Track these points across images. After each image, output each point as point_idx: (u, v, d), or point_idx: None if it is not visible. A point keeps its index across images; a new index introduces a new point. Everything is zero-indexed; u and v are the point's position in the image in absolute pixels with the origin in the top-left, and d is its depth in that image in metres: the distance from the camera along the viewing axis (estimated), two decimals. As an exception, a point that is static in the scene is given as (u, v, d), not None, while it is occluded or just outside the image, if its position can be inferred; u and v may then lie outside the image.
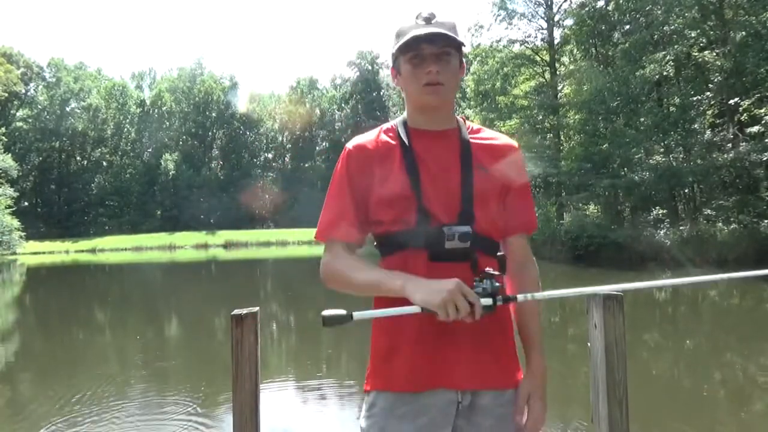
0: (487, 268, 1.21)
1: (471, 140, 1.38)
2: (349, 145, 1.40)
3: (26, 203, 55.49)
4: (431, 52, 1.30)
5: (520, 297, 1.25)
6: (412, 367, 1.29)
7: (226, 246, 46.97)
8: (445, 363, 1.28)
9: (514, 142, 1.45)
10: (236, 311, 2.28)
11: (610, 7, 23.78)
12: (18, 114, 60.04)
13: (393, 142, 1.37)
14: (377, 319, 1.33)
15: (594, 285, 1.40)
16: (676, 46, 19.84)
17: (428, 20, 1.32)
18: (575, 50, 27.51)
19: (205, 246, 47.15)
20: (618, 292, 1.95)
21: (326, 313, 1.21)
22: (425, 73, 1.30)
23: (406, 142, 1.35)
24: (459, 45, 1.32)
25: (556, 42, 27.61)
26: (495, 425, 1.32)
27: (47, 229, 54.05)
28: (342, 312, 1.20)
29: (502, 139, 1.44)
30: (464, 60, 1.39)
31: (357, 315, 1.21)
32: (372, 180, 1.34)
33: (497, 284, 1.20)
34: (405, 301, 1.21)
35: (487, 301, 1.18)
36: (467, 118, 1.49)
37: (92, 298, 16.35)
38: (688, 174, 19.26)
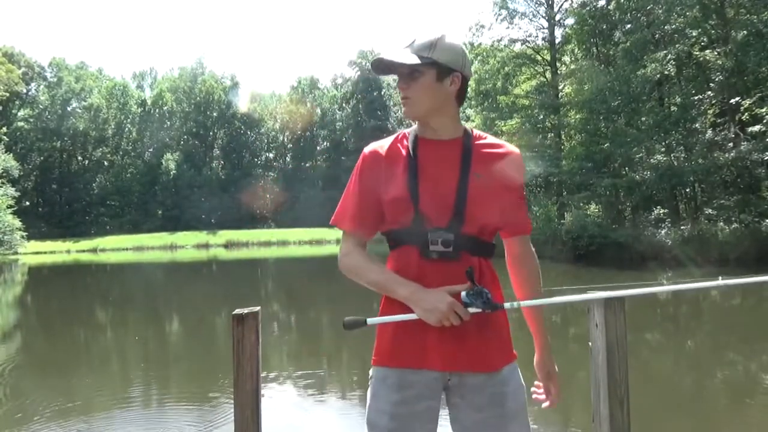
0: (475, 288, 1.38)
1: (473, 149, 1.52)
2: (366, 149, 1.59)
3: (27, 203, 55.54)
4: (401, 72, 1.49)
5: (506, 305, 1.44)
6: (398, 347, 1.48)
7: (227, 246, 47.01)
8: (428, 346, 1.44)
9: (515, 149, 1.57)
10: (237, 311, 2.28)
11: (611, 7, 23.76)
12: (19, 114, 60.10)
13: (402, 149, 1.54)
14: (383, 304, 1.53)
15: (594, 285, 1.44)
16: (677, 45, 19.81)
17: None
18: (576, 49, 27.48)
19: (206, 246, 47.18)
20: (620, 295, 1.95)
21: (347, 319, 1.45)
22: (400, 89, 1.51)
23: (412, 150, 1.52)
24: (422, 62, 1.45)
25: (557, 41, 27.58)
26: (489, 403, 1.46)
27: (48, 228, 54.10)
28: (359, 318, 1.45)
29: (503, 147, 1.56)
30: (453, 71, 1.49)
31: (370, 321, 1.45)
32: (379, 182, 1.51)
33: (487, 294, 1.38)
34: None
35: (475, 310, 1.38)
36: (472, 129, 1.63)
37: (93, 298, 16.36)
38: (689, 173, 19.24)
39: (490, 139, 1.58)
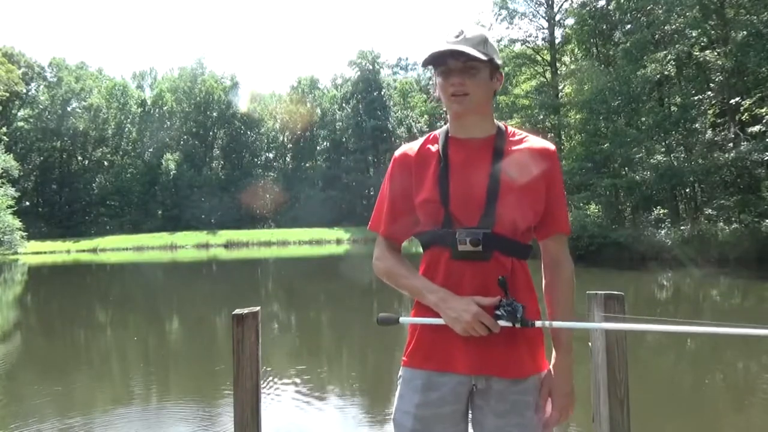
0: (507, 300, 1.36)
1: (505, 146, 1.49)
2: (397, 152, 1.59)
3: (27, 203, 55.54)
4: (456, 67, 1.43)
5: (538, 323, 1.38)
6: (426, 349, 1.48)
7: (227, 245, 47.01)
8: (455, 349, 1.43)
9: (550, 146, 1.52)
10: (237, 311, 2.28)
11: (611, 7, 23.78)
12: (19, 114, 60.10)
13: (433, 150, 1.53)
14: (416, 306, 1.53)
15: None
16: (677, 46, 19.83)
17: (455, 37, 1.44)
18: (576, 50, 27.49)
19: (206, 246, 47.18)
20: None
21: (381, 315, 1.49)
22: (450, 85, 1.44)
23: (442, 150, 1.51)
24: (487, 59, 1.43)
25: (557, 41, 27.60)
26: (510, 410, 1.43)
27: (49, 228, 54.11)
28: (392, 315, 1.48)
29: (537, 143, 1.52)
30: (498, 69, 1.49)
31: (402, 320, 1.47)
32: (410, 184, 1.52)
33: (519, 307, 1.36)
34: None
35: (506, 323, 1.36)
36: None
37: (93, 298, 16.36)
38: (689, 173, 19.25)
39: (525, 135, 1.54)
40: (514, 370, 1.43)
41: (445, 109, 1.54)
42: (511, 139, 1.51)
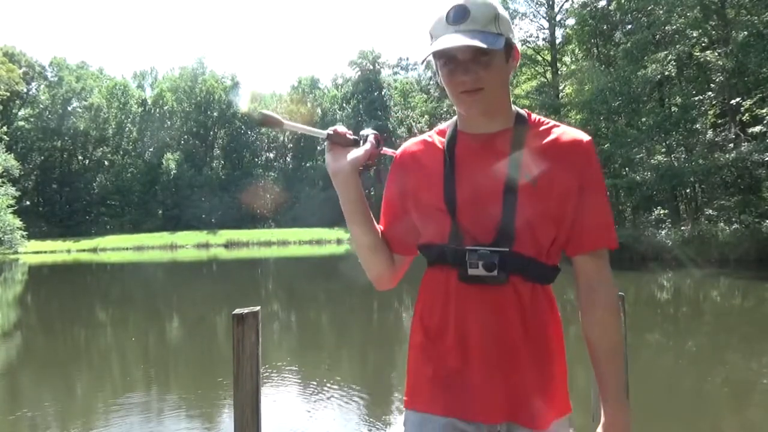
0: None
1: (527, 141, 1.18)
2: (399, 149, 1.33)
3: (28, 202, 55.52)
4: (465, 58, 1.12)
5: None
6: (437, 392, 1.20)
7: (228, 245, 46.99)
8: (472, 393, 1.17)
9: (584, 136, 1.19)
10: (237, 310, 2.28)
11: (611, 7, 23.76)
12: (20, 113, 60.09)
13: (439, 146, 1.25)
14: (411, 341, 1.26)
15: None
16: (677, 46, 19.83)
17: (458, 20, 1.12)
18: (577, 50, 27.50)
19: (207, 245, 47.17)
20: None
21: (263, 112, 1.17)
22: (460, 82, 1.13)
23: (449, 146, 1.22)
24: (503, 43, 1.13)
25: (557, 42, 27.60)
26: None
27: (49, 228, 54.09)
28: (276, 117, 1.19)
29: (567, 134, 1.19)
30: (515, 45, 1.19)
31: (288, 125, 1.23)
32: (409, 187, 1.25)
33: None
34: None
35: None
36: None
37: (94, 298, 16.36)
38: (689, 174, 19.24)
39: (553, 124, 1.21)
40: (534, 419, 1.16)
41: (450, 103, 1.32)
42: (534, 130, 1.20)
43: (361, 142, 1.24)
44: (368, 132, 1.25)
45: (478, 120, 1.19)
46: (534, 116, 1.22)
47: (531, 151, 1.16)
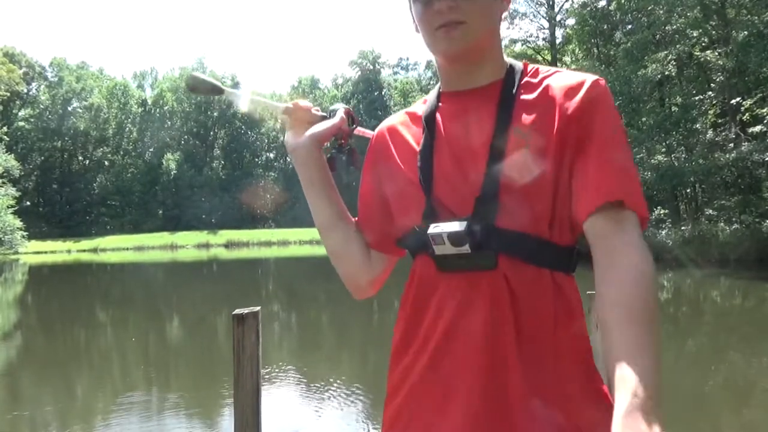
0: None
1: (520, 92, 0.93)
2: (375, 130, 1.10)
3: (28, 203, 55.56)
4: None
5: None
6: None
7: (228, 245, 47.02)
8: None
9: (590, 77, 0.91)
10: (237, 311, 2.28)
11: (611, 7, 23.76)
12: (20, 114, 60.15)
13: (420, 113, 1.01)
14: (391, 367, 0.97)
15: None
16: (678, 46, 19.82)
17: None
18: (577, 50, 27.51)
19: (207, 246, 47.20)
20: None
21: (194, 76, 1.04)
22: (436, 12, 0.89)
23: (431, 111, 0.99)
24: None
25: (557, 42, 27.60)
26: None
27: (49, 228, 54.15)
28: (213, 81, 1.06)
29: (569, 77, 0.92)
30: None
31: (230, 93, 1.08)
32: (385, 169, 1.03)
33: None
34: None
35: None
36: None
37: (94, 298, 16.37)
38: (689, 174, 19.23)
39: (553, 71, 0.95)
40: None
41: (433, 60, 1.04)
42: (528, 80, 0.94)
43: (330, 116, 1.07)
44: (338, 106, 1.09)
45: (460, 69, 0.96)
46: (530, 66, 0.98)
47: (524, 103, 0.92)
